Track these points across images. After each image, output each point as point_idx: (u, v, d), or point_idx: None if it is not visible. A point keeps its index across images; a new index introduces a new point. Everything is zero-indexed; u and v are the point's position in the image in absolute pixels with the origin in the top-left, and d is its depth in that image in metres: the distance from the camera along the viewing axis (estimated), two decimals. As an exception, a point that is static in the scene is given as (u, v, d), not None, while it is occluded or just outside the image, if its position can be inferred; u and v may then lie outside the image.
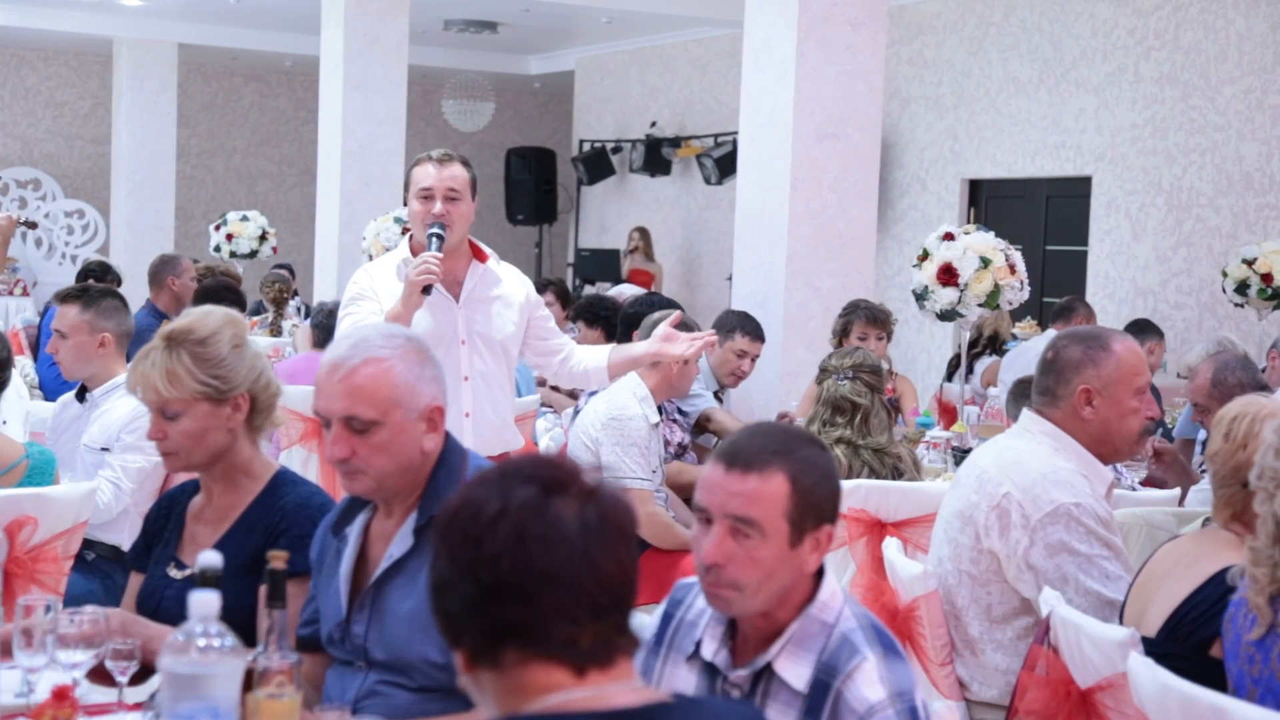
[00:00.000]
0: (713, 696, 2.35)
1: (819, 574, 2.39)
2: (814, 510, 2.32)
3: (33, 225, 12.62)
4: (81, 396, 4.83)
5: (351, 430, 2.64)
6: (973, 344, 8.37)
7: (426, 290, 4.26)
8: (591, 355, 4.70)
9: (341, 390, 2.64)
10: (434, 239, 4.35)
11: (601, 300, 7.76)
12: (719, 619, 2.43)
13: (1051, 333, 8.07)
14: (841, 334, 6.49)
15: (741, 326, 6.24)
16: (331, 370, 2.67)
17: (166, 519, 3.10)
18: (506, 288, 4.54)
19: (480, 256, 4.47)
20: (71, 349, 4.74)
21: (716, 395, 6.48)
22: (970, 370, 8.15)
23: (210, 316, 3.04)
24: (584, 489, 1.77)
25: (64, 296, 4.86)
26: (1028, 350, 7.83)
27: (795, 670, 2.31)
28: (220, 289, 7.87)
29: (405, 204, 4.56)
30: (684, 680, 2.45)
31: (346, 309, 4.42)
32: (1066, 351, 3.50)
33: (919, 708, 2.27)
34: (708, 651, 2.42)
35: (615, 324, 7.17)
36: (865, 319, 6.48)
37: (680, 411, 5.87)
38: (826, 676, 2.29)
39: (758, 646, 2.37)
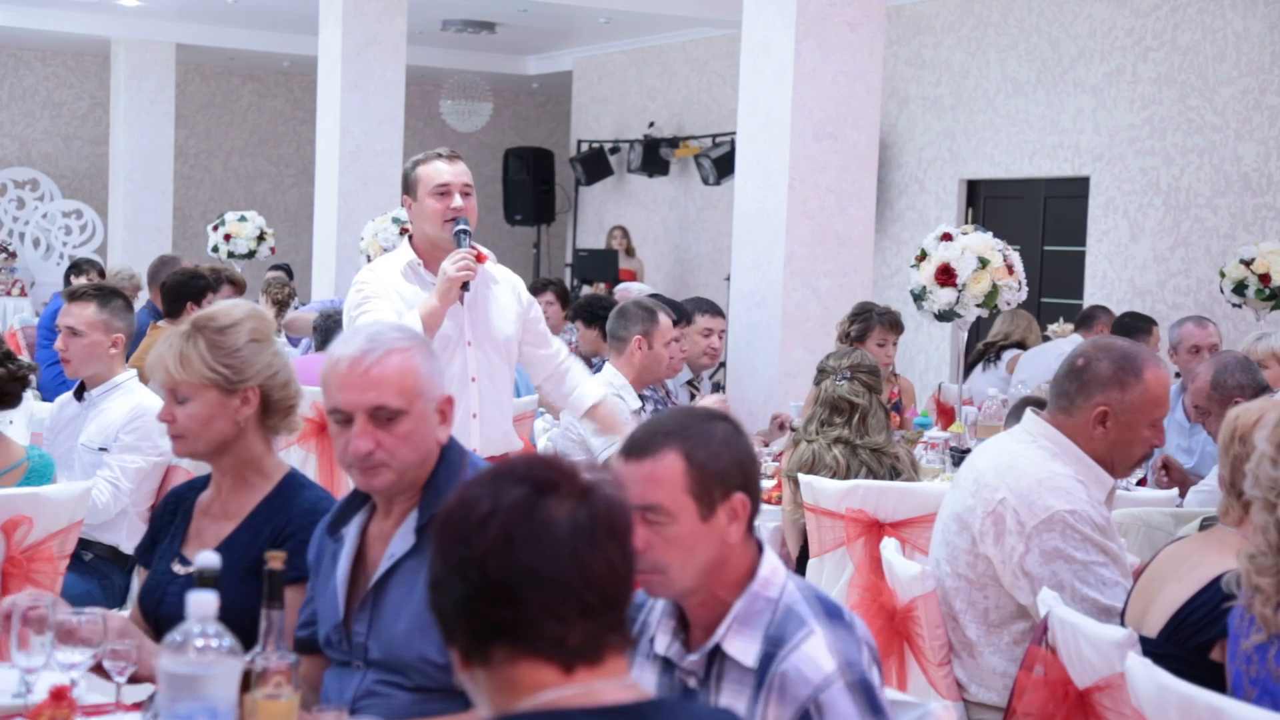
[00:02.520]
0: (695, 703, 2.35)
1: (759, 550, 2.40)
2: (718, 480, 2.33)
3: (14, 254, 12.54)
4: (79, 396, 4.82)
5: (377, 422, 2.65)
6: (994, 344, 8.48)
7: (465, 286, 4.30)
8: (590, 389, 4.76)
9: (368, 381, 2.66)
10: (463, 235, 4.39)
11: (600, 300, 7.74)
12: (669, 613, 2.44)
13: (1076, 338, 8.04)
14: (858, 339, 6.49)
15: (698, 308, 6.54)
16: (353, 364, 2.67)
17: (174, 515, 3.10)
18: (505, 289, 4.58)
19: (479, 258, 4.47)
20: (85, 348, 4.70)
21: (692, 384, 6.52)
22: (997, 358, 8.25)
23: (236, 308, 3.07)
24: (577, 489, 1.78)
25: (78, 294, 4.81)
26: (1049, 350, 7.81)
27: (744, 648, 2.32)
28: (182, 285, 7.44)
29: (405, 204, 4.54)
30: (646, 681, 2.45)
31: (360, 308, 4.37)
32: (1098, 365, 3.42)
33: (867, 672, 2.27)
34: (660, 646, 2.43)
35: None
36: (887, 324, 6.54)
37: (668, 399, 5.89)
38: (774, 648, 2.30)
39: (707, 632, 2.38)
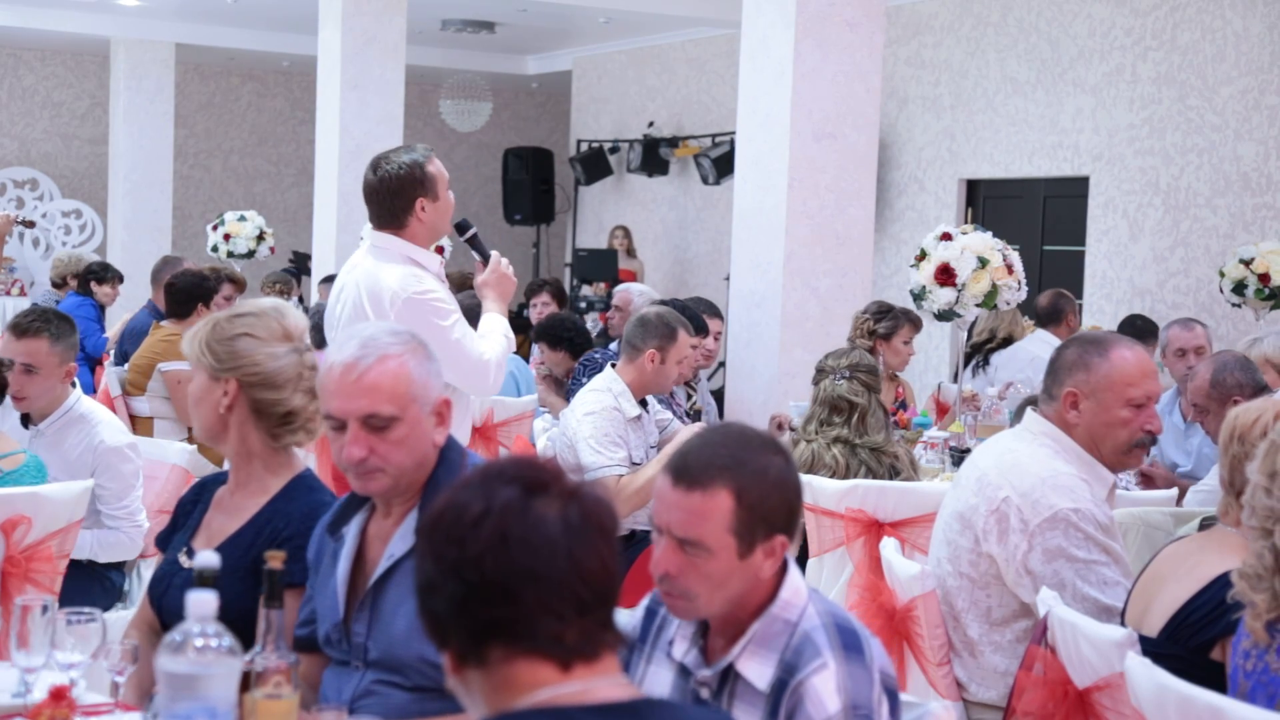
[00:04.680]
0: (689, 704, 2.35)
1: (784, 569, 2.38)
2: (763, 522, 2.30)
3: (30, 224, 12.58)
4: (25, 422, 4.60)
5: (370, 429, 2.65)
6: (984, 344, 8.37)
7: None
8: None
9: (360, 389, 2.65)
10: (475, 230, 4.50)
11: (562, 321, 7.56)
12: None
13: (1040, 332, 8.03)
14: (885, 337, 6.63)
15: (706, 313, 6.56)
16: (346, 371, 2.67)
17: (195, 504, 3.12)
18: None
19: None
20: (41, 385, 4.48)
21: (690, 385, 6.52)
22: (986, 363, 8.17)
23: (262, 303, 3.07)
24: (565, 489, 1.80)
25: (28, 329, 4.50)
26: (1019, 352, 7.81)
27: (758, 670, 2.32)
28: (192, 287, 7.28)
29: (421, 204, 4.29)
30: (662, 678, 2.46)
31: (454, 326, 4.17)
32: (1065, 353, 3.50)
33: (874, 713, 2.26)
34: (678, 652, 2.44)
35: (579, 345, 7.14)
36: (914, 322, 6.71)
37: (671, 399, 5.88)
38: (787, 676, 2.29)
39: (725, 646, 2.38)
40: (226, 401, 2.97)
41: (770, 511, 2.31)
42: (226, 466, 3.12)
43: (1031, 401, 4.49)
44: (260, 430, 2.99)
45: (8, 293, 13.80)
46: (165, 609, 2.99)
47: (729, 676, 2.35)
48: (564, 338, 7.27)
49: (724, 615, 2.36)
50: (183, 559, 3.02)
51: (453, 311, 4.23)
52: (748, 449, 2.33)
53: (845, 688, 2.25)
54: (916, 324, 6.75)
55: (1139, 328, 7.71)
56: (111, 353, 8.57)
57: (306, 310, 10.07)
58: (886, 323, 6.64)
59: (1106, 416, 3.41)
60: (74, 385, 4.65)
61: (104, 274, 9.85)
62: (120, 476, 4.53)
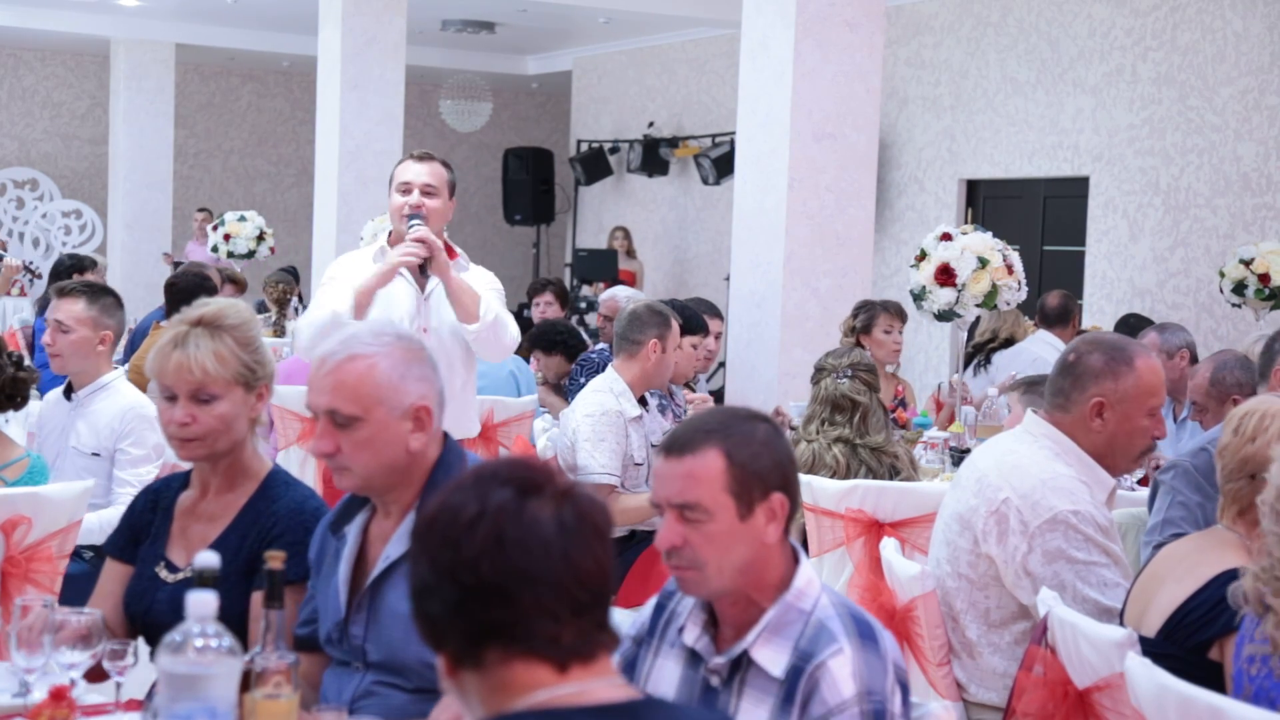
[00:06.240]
0: (687, 704, 2.36)
1: (795, 560, 2.40)
2: (758, 480, 2.34)
3: (39, 275, 12.57)
4: (67, 395, 4.77)
5: (335, 425, 2.64)
6: (986, 344, 8.35)
7: (423, 272, 4.73)
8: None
9: (327, 384, 2.65)
10: (414, 222, 4.76)
11: (553, 326, 7.60)
12: (700, 606, 2.45)
13: (1043, 333, 8.02)
14: (864, 330, 6.62)
15: (706, 313, 6.54)
16: (319, 365, 2.67)
17: (153, 512, 3.05)
18: (471, 277, 4.87)
19: (450, 254, 4.81)
20: (72, 344, 4.67)
21: (689, 385, 6.53)
22: (988, 363, 8.14)
23: (236, 306, 3.05)
24: (559, 490, 1.80)
25: (67, 290, 4.78)
26: (1022, 352, 7.80)
27: (772, 657, 2.33)
28: (194, 287, 7.37)
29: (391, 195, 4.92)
30: (669, 671, 2.47)
31: (320, 290, 4.86)
32: (1089, 358, 3.45)
33: (887, 701, 2.27)
34: (689, 637, 2.44)
35: (574, 347, 7.19)
36: (892, 311, 6.68)
37: (671, 400, 5.88)
38: (803, 663, 2.30)
39: (736, 634, 2.39)
40: (260, 407, 2.99)
41: (763, 470, 2.35)
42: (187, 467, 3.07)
43: (1040, 380, 4.47)
44: (251, 428, 3.00)
45: (8, 293, 13.80)
46: (150, 624, 2.92)
47: (741, 664, 2.37)
48: (557, 341, 7.29)
49: (734, 594, 2.36)
50: (163, 574, 2.96)
51: (328, 280, 4.82)
52: (734, 417, 2.41)
53: (860, 674, 2.27)
54: (897, 313, 6.70)
55: (1132, 326, 7.69)
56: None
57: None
58: (862, 316, 6.66)
59: (1129, 426, 3.42)
60: (116, 365, 4.87)
61: (79, 264, 9.71)
62: (144, 443, 4.62)
